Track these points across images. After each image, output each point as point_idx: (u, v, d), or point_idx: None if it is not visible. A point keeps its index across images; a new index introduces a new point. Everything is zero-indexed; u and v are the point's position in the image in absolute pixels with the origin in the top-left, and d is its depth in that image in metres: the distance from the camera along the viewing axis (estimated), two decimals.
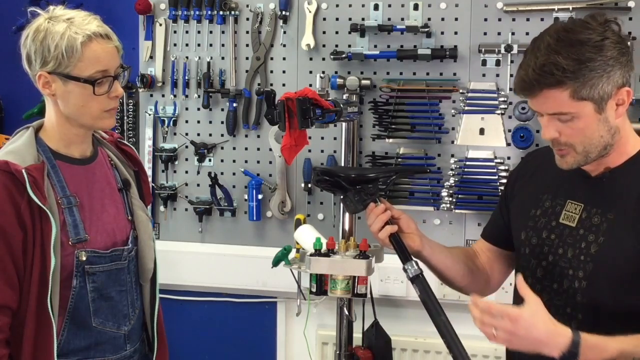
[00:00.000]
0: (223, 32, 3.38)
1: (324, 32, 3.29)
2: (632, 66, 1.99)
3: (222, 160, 3.43)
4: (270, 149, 3.35)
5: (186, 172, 3.47)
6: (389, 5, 3.21)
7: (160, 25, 3.42)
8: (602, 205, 2.03)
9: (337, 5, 3.27)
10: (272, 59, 3.35)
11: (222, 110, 3.40)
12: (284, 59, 3.34)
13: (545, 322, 1.90)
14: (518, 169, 2.35)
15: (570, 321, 2.04)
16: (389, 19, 3.22)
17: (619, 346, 1.90)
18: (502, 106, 3.13)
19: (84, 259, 2.09)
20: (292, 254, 2.83)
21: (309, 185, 3.32)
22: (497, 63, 3.12)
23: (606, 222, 2.01)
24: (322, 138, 3.31)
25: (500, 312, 1.90)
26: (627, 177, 2.01)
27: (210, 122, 3.43)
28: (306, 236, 2.74)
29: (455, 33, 3.17)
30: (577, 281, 2.04)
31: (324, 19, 3.29)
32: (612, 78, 1.93)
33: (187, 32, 3.42)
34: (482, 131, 3.16)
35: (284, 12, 3.29)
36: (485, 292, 2.35)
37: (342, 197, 2.35)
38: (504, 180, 3.10)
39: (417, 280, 2.19)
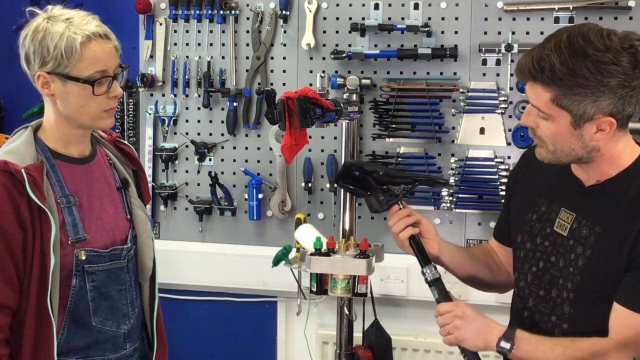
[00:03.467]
0: (223, 32, 3.38)
1: (324, 32, 3.29)
2: (633, 102, 1.91)
3: (222, 160, 3.43)
4: (271, 149, 3.35)
5: (186, 171, 3.47)
6: (390, 5, 3.21)
7: (161, 24, 3.42)
8: (591, 217, 2.02)
9: (338, 5, 3.26)
10: (272, 58, 3.35)
11: (223, 109, 3.40)
12: (284, 58, 3.34)
13: (480, 315, 2.07)
14: (517, 168, 2.34)
15: (553, 329, 2.06)
16: (389, 19, 3.22)
17: (549, 345, 1.99)
18: (503, 105, 3.12)
19: (84, 258, 2.09)
20: (293, 254, 2.83)
21: (309, 185, 3.32)
22: (498, 62, 3.12)
23: (594, 235, 2.00)
24: (322, 137, 3.30)
25: (446, 309, 2.09)
26: (618, 190, 2.00)
27: (211, 121, 3.43)
28: (306, 235, 2.74)
29: (456, 32, 3.17)
30: (566, 292, 2.04)
31: (324, 19, 3.28)
32: (599, 103, 1.89)
33: (187, 31, 3.42)
34: (482, 130, 3.15)
35: (284, 12, 3.29)
36: (509, 288, 2.35)
37: (367, 194, 2.32)
38: (505, 180, 3.11)
39: (435, 283, 2.18)
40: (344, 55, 3.21)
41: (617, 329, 1.96)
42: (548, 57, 1.90)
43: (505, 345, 2.01)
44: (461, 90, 3.15)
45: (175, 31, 3.43)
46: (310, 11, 3.27)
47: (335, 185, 2.40)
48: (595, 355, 1.96)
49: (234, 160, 3.42)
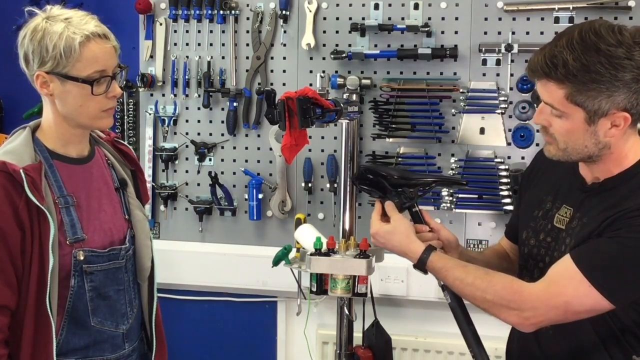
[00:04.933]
0: (223, 32, 3.38)
1: (324, 32, 3.29)
2: None
3: (222, 160, 3.43)
4: (271, 149, 3.35)
5: (186, 171, 3.47)
6: (390, 5, 3.21)
7: (161, 24, 3.42)
8: (583, 211, 2.03)
9: (338, 5, 3.26)
10: (272, 58, 3.35)
11: (223, 109, 3.40)
12: (284, 58, 3.34)
13: (400, 240, 2.21)
14: (531, 168, 2.34)
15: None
16: (390, 19, 3.21)
17: (459, 275, 2.09)
18: (503, 105, 3.12)
19: (82, 258, 2.09)
20: (293, 254, 2.82)
21: (309, 185, 3.32)
22: (498, 62, 3.12)
23: (579, 225, 2.01)
24: (322, 137, 3.31)
25: (372, 223, 2.28)
26: (616, 189, 2.00)
27: (211, 121, 3.43)
28: (306, 235, 2.73)
29: (456, 32, 3.17)
30: None
31: (324, 19, 3.28)
32: (614, 98, 1.89)
33: (187, 31, 3.42)
34: (482, 130, 3.15)
35: (284, 12, 3.29)
36: None
37: (383, 196, 2.36)
38: (504, 180, 3.11)
39: (449, 287, 2.18)
40: (344, 55, 3.21)
41: (551, 275, 1.97)
42: (560, 53, 1.90)
43: (419, 272, 2.19)
44: (461, 90, 3.14)
45: (175, 31, 3.43)
46: (310, 11, 3.27)
47: (353, 185, 2.47)
48: (510, 293, 2.00)
49: (234, 160, 3.42)
